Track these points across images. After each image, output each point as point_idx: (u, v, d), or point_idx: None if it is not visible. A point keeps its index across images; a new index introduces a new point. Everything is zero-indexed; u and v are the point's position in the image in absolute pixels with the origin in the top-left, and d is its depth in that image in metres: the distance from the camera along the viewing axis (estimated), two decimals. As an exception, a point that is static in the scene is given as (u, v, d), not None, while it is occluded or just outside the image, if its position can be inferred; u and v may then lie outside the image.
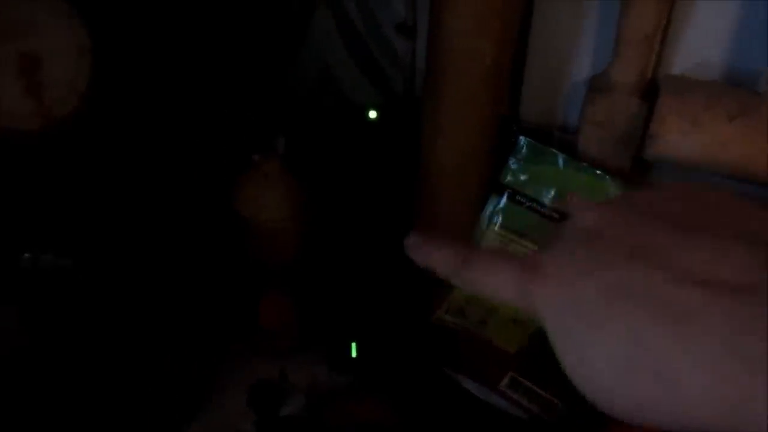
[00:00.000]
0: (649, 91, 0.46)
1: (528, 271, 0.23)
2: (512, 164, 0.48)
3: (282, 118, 0.56)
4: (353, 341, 0.50)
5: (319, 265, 0.53)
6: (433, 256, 0.26)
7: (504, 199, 0.49)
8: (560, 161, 0.48)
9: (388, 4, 0.53)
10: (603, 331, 0.21)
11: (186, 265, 0.51)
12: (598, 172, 0.47)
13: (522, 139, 0.49)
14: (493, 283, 0.25)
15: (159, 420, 0.46)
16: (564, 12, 0.49)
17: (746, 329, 0.18)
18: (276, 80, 0.58)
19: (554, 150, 0.48)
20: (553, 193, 0.48)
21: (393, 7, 0.53)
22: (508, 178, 0.48)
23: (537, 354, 0.45)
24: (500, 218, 0.49)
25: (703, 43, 0.46)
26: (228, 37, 0.53)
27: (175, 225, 0.51)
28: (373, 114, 0.55)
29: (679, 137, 0.43)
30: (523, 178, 0.49)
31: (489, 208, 0.49)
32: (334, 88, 0.57)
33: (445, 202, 0.52)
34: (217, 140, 0.53)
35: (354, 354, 0.50)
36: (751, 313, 0.18)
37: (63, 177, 0.43)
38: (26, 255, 0.42)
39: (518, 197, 0.48)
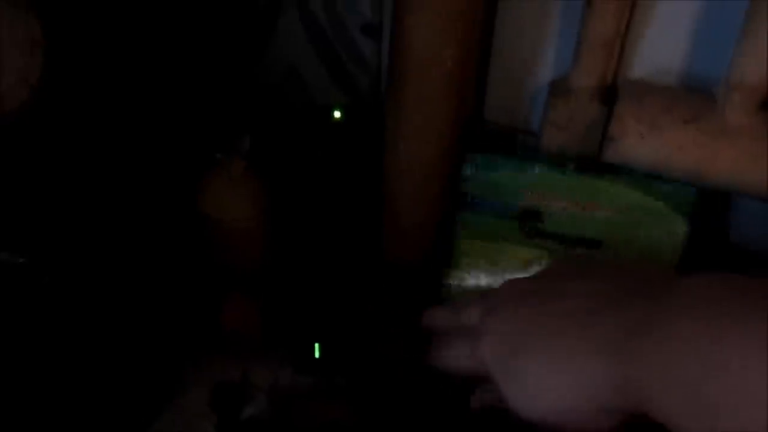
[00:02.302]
0: (609, 96, 0.47)
1: (473, 335, 0.33)
2: (470, 174, 0.49)
3: (247, 117, 0.56)
4: (317, 342, 0.50)
5: (284, 266, 0.53)
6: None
7: (468, 210, 0.49)
8: (515, 164, 0.49)
9: (354, 5, 0.53)
10: (530, 357, 0.30)
11: (147, 264, 0.50)
12: (544, 164, 0.48)
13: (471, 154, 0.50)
14: (455, 358, 0.34)
15: (119, 421, 0.45)
16: (527, 16, 0.50)
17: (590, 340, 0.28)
18: (241, 79, 0.58)
19: (505, 155, 0.49)
20: (516, 194, 0.49)
21: (359, 8, 0.53)
22: (468, 188, 0.49)
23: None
24: (469, 229, 0.49)
25: (662, 49, 0.47)
26: (192, 35, 0.53)
27: (136, 223, 0.50)
28: (338, 114, 0.55)
29: (637, 140, 0.44)
30: (481, 186, 0.49)
31: (457, 221, 0.50)
32: (299, 88, 0.57)
33: (408, 204, 0.52)
34: (180, 138, 0.52)
35: (317, 355, 0.50)
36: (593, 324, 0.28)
37: (16, 172, 0.42)
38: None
39: (481, 205, 0.49)
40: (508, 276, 0.48)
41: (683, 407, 0.24)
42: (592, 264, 0.35)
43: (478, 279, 0.50)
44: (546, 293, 0.31)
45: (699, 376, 0.24)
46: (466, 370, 0.33)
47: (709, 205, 0.48)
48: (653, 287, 0.28)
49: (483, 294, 0.36)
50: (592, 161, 0.49)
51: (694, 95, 0.45)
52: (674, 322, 0.25)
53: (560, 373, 0.28)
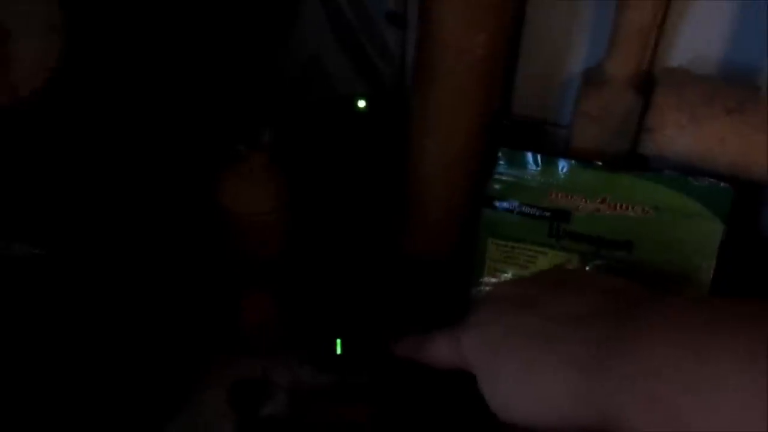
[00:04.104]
0: (645, 85, 0.45)
1: (458, 335, 0.34)
2: (495, 174, 0.48)
3: (268, 108, 0.55)
4: (338, 339, 0.49)
5: (305, 261, 0.52)
6: (401, 349, 0.39)
7: (494, 210, 0.48)
8: (539, 161, 0.47)
9: (379, -7, 0.52)
10: (504, 362, 0.30)
11: (166, 258, 0.49)
12: (573, 162, 0.47)
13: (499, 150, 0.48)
14: (438, 351, 0.36)
15: (136, 419, 0.44)
16: (558, 3, 0.48)
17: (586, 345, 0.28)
18: (263, 69, 0.57)
19: (530, 153, 0.47)
20: (543, 193, 0.47)
21: (383, -4, 0.52)
22: (494, 187, 0.48)
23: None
24: (495, 230, 0.48)
25: (700, 37, 0.46)
26: (213, 24, 0.52)
27: (155, 217, 0.50)
28: (361, 104, 0.54)
29: (677, 131, 0.43)
30: (507, 185, 0.48)
31: (483, 221, 0.49)
32: (322, 78, 0.57)
33: (433, 198, 0.51)
34: (199, 129, 0.52)
35: (339, 352, 0.49)
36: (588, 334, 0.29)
37: (35, 161, 0.42)
38: (-4, 243, 0.40)
39: (507, 205, 0.48)
40: None
41: (657, 424, 0.25)
42: (579, 277, 0.35)
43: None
44: (528, 302, 0.32)
45: (676, 394, 0.24)
46: (448, 364, 0.35)
47: (744, 202, 0.46)
48: (633, 306, 0.29)
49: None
50: (622, 159, 0.47)
51: (736, 85, 0.44)
52: (653, 339, 0.26)
53: (528, 384, 0.29)
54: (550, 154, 0.47)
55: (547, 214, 0.47)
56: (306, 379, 0.48)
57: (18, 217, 0.43)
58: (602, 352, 0.27)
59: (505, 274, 0.48)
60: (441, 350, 0.36)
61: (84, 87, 0.42)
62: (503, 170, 0.48)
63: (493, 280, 0.49)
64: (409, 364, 0.48)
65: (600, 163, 0.46)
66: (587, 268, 0.47)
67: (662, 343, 0.25)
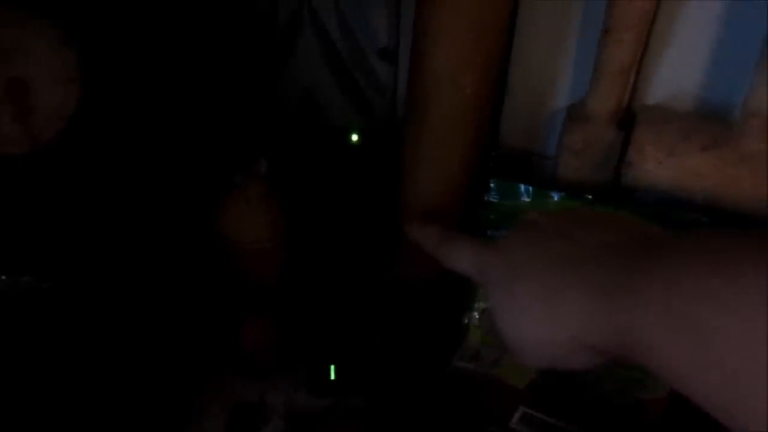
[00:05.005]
0: (626, 121, 0.47)
1: (485, 246, 0.33)
2: (488, 204, 0.49)
3: (264, 139, 0.56)
4: (333, 364, 0.50)
5: (301, 287, 0.53)
6: (421, 233, 0.38)
7: (487, 238, 0.49)
8: (529, 193, 0.49)
9: (371, 29, 0.54)
10: (523, 282, 0.30)
11: (167, 286, 0.50)
12: (563, 194, 0.48)
13: (492, 181, 0.50)
14: (459, 256, 0.35)
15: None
16: (544, 42, 0.50)
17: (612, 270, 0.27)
18: (259, 101, 0.58)
19: (521, 185, 0.49)
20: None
21: (376, 32, 0.54)
22: (487, 216, 0.49)
23: (547, 386, 0.45)
24: None
25: (678, 75, 0.47)
26: (212, 58, 0.53)
27: (158, 246, 0.51)
28: (355, 137, 0.55)
29: (656, 166, 0.45)
30: (499, 215, 0.49)
31: None
32: (316, 111, 0.58)
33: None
34: (199, 161, 0.53)
35: (333, 377, 0.50)
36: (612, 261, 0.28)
37: (44, 199, 0.42)
38: (3, 277, 0.41)
39: (499, 234, 0.49)
40: None
41: (674, 334, 0.24)
42: (610, 214, 0.33)
43: None
44: (559, 232, 0.31)
45: (695, 302, 0.23)
46: (462, 271, 0.35)
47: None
48: (660, 238, 0.29)
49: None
50: (609, 191, 0.49)
51: (711, 121, 0.45)
52: (673, 256, 0.25)
53: (543, 302, 0.29)
54: (537, 183, 0.49)
55: None
56: (301, 402, 0.49)
57: (26, 253, 0.44)
58: (623, 274, 0.26)
59: None
60: (462, 256, 0.35)
61: (94, 128, 0.43)
62: (496, 200, 0.49)
63: (486, 305, 0.50)
64: (402, 387, 0.49)
65: (589, 196, 0.48)
66: None
67: (681, 258, 0.25)
